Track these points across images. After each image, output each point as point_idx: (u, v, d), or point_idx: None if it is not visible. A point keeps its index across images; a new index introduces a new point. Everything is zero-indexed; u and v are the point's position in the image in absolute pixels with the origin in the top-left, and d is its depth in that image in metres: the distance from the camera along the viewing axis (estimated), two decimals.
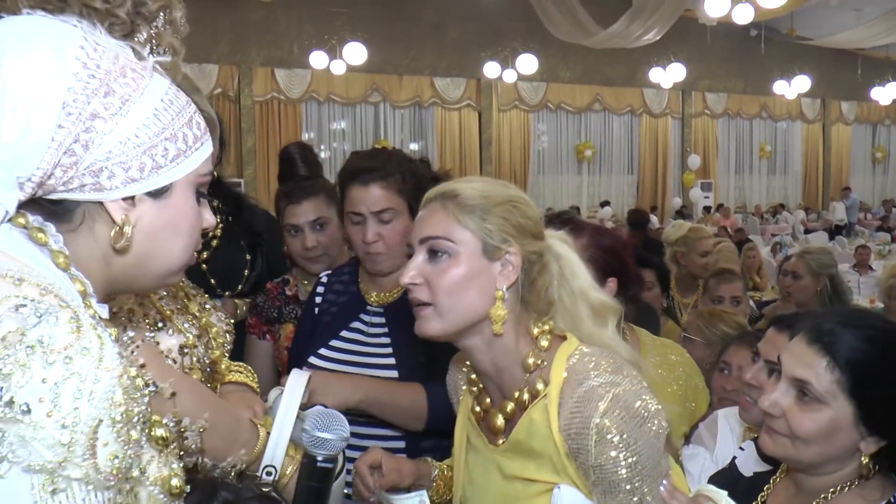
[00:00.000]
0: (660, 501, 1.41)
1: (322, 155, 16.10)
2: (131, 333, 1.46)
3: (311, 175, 2.86)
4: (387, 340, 2.14)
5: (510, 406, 1.50)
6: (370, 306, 2.20)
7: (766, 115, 20.70)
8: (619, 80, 18.26)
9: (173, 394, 1.44)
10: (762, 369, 2.03)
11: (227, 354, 1.76)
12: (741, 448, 1.80)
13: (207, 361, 1.65)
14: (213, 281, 2.74)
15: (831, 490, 1.49)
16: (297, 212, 2.64)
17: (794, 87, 17.64)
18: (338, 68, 14.42)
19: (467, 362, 1.64)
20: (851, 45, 18.01)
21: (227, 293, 2.79)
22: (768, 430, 1.51)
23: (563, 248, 1.56)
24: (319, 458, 1.30)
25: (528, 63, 15.16)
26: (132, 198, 1.12)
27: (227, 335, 1.74)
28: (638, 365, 1.51)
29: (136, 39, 1.51)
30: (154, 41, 1.53)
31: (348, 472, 2.07)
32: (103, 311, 1.12)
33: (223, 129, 2.88)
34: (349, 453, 2.08)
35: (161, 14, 1.54)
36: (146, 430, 1.06)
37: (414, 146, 16.97)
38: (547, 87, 17.74)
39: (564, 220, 2.46)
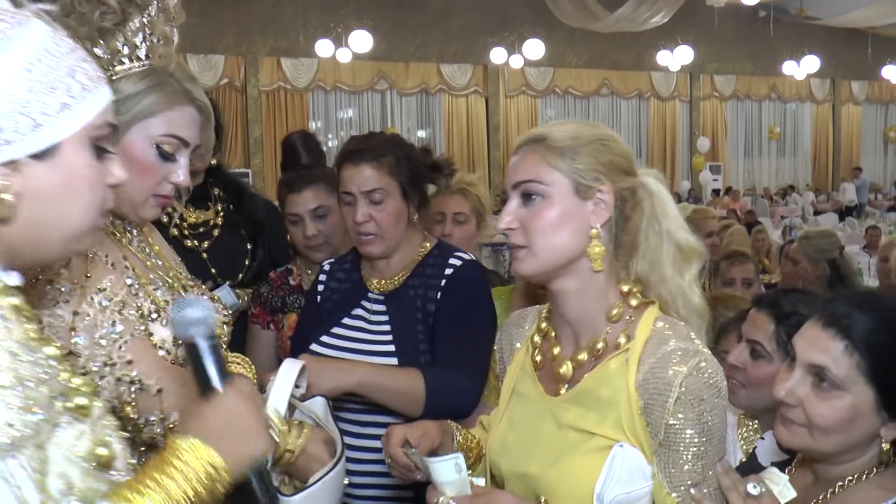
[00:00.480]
0: (714, 478, 1.42)
1: (329, 144, 16.11)
2: (120, 328, 1.47)
3: (313, 163, 2.86)
4: (387, 328, 2.14)
5: (583, 355, 1.51)
6: (371, 293, 2.21)
7: (775, 96, 20.57)
8: (626, 64, 18.16)
9: (159, 390, 1.46)
10: (744, 349, 1.99)
11: (224, 345, 1.75)
12: (762, 438, 1.77)
13: None
14: (213, 270, 2.74)
15: (849, 479, 1.43)
16: (297, 201, 2.64)
17: (803, 67, 17.49)
18: (344, 56, 14.39)
19: (534, 315, 1.67)
20: (862, 23, 17.83)
21: (227, 283, 2.78)
22: (784, 420, 1.45)
23: (657, 185, 1.56)
24: (199, 341, 1.23)
25: (534, 48, 15.08)
26: (13, 162, 1.03)
27: (225, 326, 1.73)
28: (705, 319, 1.54)
29: (128, 27, 1.51)
30: (147, 29, 1.54)
31: (348, 459, 2.08)
32: (10, 278, 1.08)
33: (220, 116, 2.89)
34: (350, 441, 2.10)
35: (154, 2, 1.54)
36: (64, 400, 1.04)
37: (421, 133, 16.95)
38: (554, 73, 17.67)
39: None
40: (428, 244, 2.24)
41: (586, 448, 1.45)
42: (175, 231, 2.74)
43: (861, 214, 17.04)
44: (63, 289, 1.45)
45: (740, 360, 1.98)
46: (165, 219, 2.70)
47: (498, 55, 15.63)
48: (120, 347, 1.46)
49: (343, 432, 2.10)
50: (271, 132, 15.46)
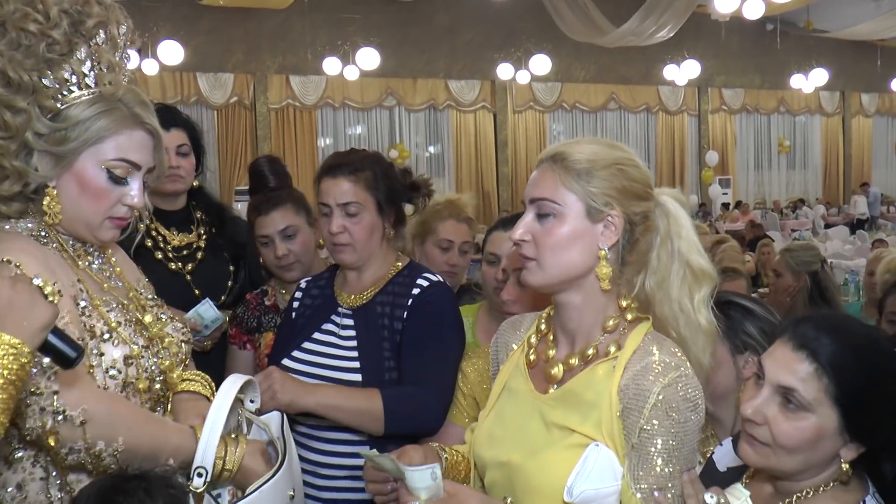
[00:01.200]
0: (679, 486, 1.48)
1: None
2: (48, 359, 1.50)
3: (279, 186, 2.91)
4: (354, 343, 2.17)
5: (574, 359, 1.59)
6: (341, 308, 2.24)
7: (783, 109, 20.52)
8: (634, 78, 18.18)
9: (83, 422, 1.50)
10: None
11: (186, 363, 1.80)
12: (720, 444, 1.80)
13: (157, 371, 1.69)
14: (197, 292, 2.79)
15: (806, 490, 1.48)
16: (266, 223, 2.69)
17: (811, 80, 17.46)
18: (351, 74, 14.48)
19: (531, 318, 1.74)
20: (870, 36, 17.83)
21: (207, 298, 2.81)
22: (748, 438, 1.49)
23: (674, 206, 1.63)
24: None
25: (541, 63, 15.12)
26: None
27: (183, 345, 1.78)
28: (710, 342, 1.59)
29: (75, 57, 1.57)
30: (94, 58, 1.58)
31: (315, 475, 2.10)
32: None
33: (201, 137, 2.93)
34: (316, 458, 2.12)
35: (101, 31, 1.59)
36: None
37: (431, 149, 17.01)
38: (561, 87, 17.71)
39: (515, 220, 2.49)
40: (400, 263, 2.28)
41: (565, 444, 1.53)
42: (160, 255, 2.80)
43: (873, 227, 16.95)
44: None
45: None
46: (150, 242, 2.77)
47: (505, 71, 15.69)
48: (49, 378, 1.48)
49: (308, 448, 2.14)
50: (280, 149, 15.54)
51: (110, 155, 1.61)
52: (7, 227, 1.59)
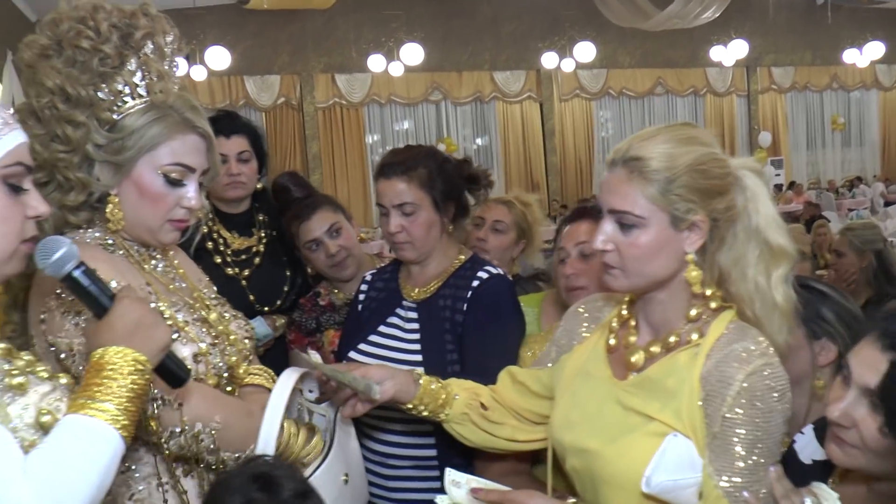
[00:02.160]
0: (765, 482, 1.45)
1: None
2: None
3: (306, 195, 2.95)
4: (417, 336, 2.20)
5: (656, 347, 1.58)
6: (405, 301, 2.27)
7: (836, 85, 20.01)
8: (680, 61, 17.92)
9: (180, 404, 1.58)
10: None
11: (249, 359, 1.86)
12: (801, 432, 1.74)
13: (224, 367, 1.74)
14: (252, 297, 2.83)
15: None
16: (310, 227, 2.74)
17: (866, 54, 17.00)
18: (396, 70, 14.56)
19: (613, 302, 1.72)
20: None
21: (265, 308, 2.87)
22: (836, 440, 1.43)
23: (752, 180, 1.57)
24: (73, 272, 1.36)
25: (586, 51, 15.00)
26: None
27: (247, 341, 1.84)
28: (787, 321, 1.55)
29: (126, 69, 1.64)
30: (144, 68, 1.66)
31: (377, 462, 2.14)
32: None
33: (264, 142, 2.99)
34: (382, 448, 2.17)
35: (149, 42, 1.66)
36: (2, 381, 1.24)
37: (479, 141, 17.01)
38: (607, 74, 17.54)
39: (583, 213, 2.49)
40: (462, 256, 2.29)
41: (644, 431, 1.51)
42: (218, 259, 2.85)
43: None
44: (81, 320, 1.56)
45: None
46: (210, 245, 2.83)
47: (550, 59, 15.60)
48: None
49: (374, 439, 2.20)
50: (329, 148, 15.72)
51: (165, 160, 1.67)
52: (76, 237, 1.65)
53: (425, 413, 1.83)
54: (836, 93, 20.25)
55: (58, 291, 1.57)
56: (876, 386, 1.29)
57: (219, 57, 12.42)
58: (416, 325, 2.22)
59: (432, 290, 2.24)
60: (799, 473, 1.59)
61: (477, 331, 2.14)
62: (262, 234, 2.99)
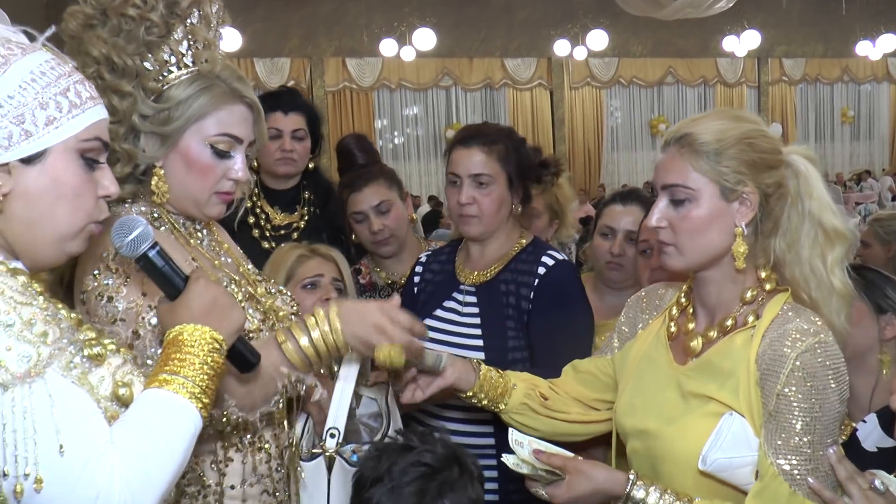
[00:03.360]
0: (825, 463, 1.46)
1: (395, 141, 16.28)
2: None
3: (368, 163, 2.95)
4: (477, 321, 2.18)
5: (713, 332, 1.61)
6: (463, 285, 2.25)
7: (847, 78, 19.92)
8: (691, 51, 17.85)
9: None
10: None
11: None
12: (864, 421, 1.77)
13: None
14: None
15: None
16: (359, 199, 2.72)
17: (879, 47, 16.91)
18: (408, 55, 14.52)
19: (673, 290, 1.75)
20: None
21: None
22: None
23: (804, 165, 1.61)
24: (149, 252, 1.36)
25: (598, 39, 14.96)
26: (5, 165, 1.21)
27: (293, 317, 1.81)
28: (845, 304, 1.57)
29: (172, 38, 1.63)
30: (190, 37, 1.64)
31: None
32: (17, 263, 1.27)
33: (319, 121, 2.99)
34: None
35: (195, 10, 1.64)
36: (79, 348, 1.24)
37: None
38: (619, 63, 17.48)
39: (632, 196, 2.51)
40: (524, 240, 2.26)
41: (702, 412, 1.54)
42: (257, 232, 2.86)
43: None
44: (119, 306, 1.55)
45: None
46: (252, 219, 2.83)
47: (562, 47, 15.55)
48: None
49: (426, 425, 2.19)
50: (338, 131, 15.67)
51: (213, 131, 1.64)
52: (122, 211, 1.63)
53: (484, 402, 1.84)
54: (847, 85, 20.17)
55: (95, 272, 1.56)
56: None
57: (229, 38, 12.30)
58: (475, 310, 2.20)
59: (492, 273, 2.22)
60: (863, 461, 1.61)
61: (546, 322, 2.12)
62: (305, 212, 3.00)
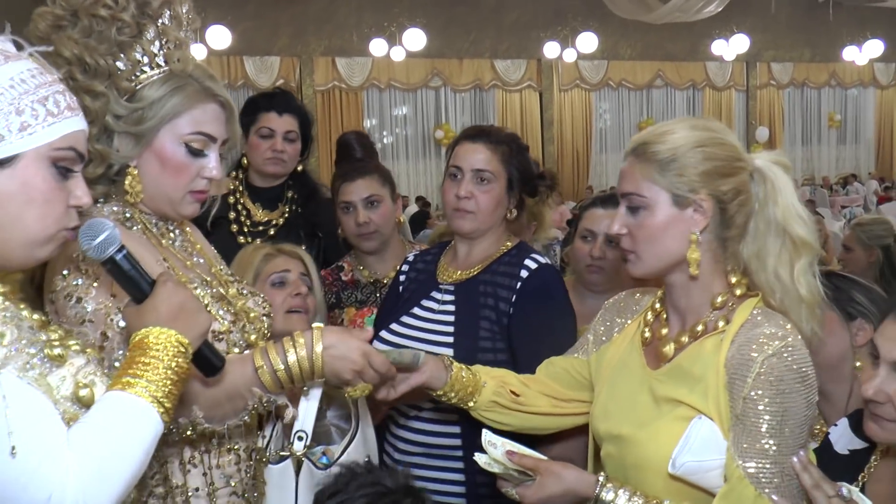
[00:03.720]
0: (789, 469, 1.48)
1: (385, 141, 16.27)
2: None
3: (365, 157, 2.98)
4: (451, 318, 2.19)
5: (685, 337, 1.64)
6: (443, 284, 2.26)
7: (834, 83, 20.06)
8: (680, 54, 17.93)
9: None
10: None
11: (267, 335, 1.84)
12: (835, 425, 1.79)
13: (244, 345, 1.73)
14: None
15: None
16: (350, 189, 2.72)
17: (865, 52, 17.04)
18: (398, 55, 14.52)
19: (649, 296, 1.79)
20: None
21: None
22: (874, 416, 1.48)
23: (772, 171, 1.62)
24: (116, 256, 1.37)
25: (588, 42, 15.00)
26: None
27: (265, 318, 1.83)
28: (814, 309, 1.59)
29: (144, 38, 1.63)
30: (162, 37, 1.65)
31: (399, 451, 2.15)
32: None
33: (311, 125, 3.02)
34: (399, 432, 2.17)
35: (166, 10, 1.66)
36: (40, 348, 1.25)
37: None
38: (608, 66, 17.54)
39: (613, 200, 2.53)
40: (509, 243, 2.28)
41: (672, 416, 1.57)
42: (235, 227, 2.87)
43: None
44: (88, 307, 1.55)
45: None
46: (233, 215, 2.85)
47: (551, 49, 15.59)
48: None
49: (397, 425, 2.21)
50: (326, 131, 15.63)
51: (187, 129, 1.64)
52: (94, 211, 1.62)
53: (454, 400, 1.86)
54: (834, 90, 20.30)
55: (64, 273, 1.56)
56: None
57: (219, 36, 12.33)
58: (451, 308, 2.21)
59: (473, 273, 2.23)
60: (835, 463, 1.64)
61: (529, 327, 2.13)
62: (286, 209, 3.02)
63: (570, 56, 15.89)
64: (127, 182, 1.65)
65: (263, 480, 1.75)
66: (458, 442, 2.15)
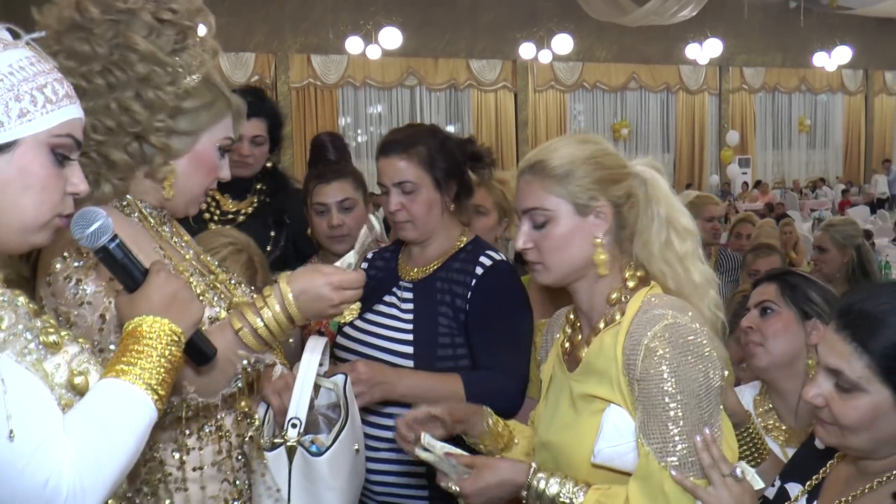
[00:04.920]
0: (692, 448, 1.53)
1: (359, 139, 16.27)
2: None
3: (339, 160, 2.99)
4: (410, 316, 2.20)
5: (593, 337, 1.70)
6: (402, 282, 2.27)
7: (805, 88, 20.36)
8: (655, 57, 18.10)
9: None
10: (754, 312, 2.09)
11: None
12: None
13: None
14: None
15: (891, 473, 1.45)
16: (325, 191, 2.72)
17: (834, 58, 17.30)
18: (373, 53, 14.52)
19: (567, 308, 1.86)
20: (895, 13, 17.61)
21: None
22: (818, 420, 1.50)
23: (649, 173, 1.74)
24: (109, 245, 1.37)
25: (563, 43, 15.08)
26: None
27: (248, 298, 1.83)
28: (709, 290, 1.69)
29: (188, 44, 1.69)
30: (200, 45, 1.72)
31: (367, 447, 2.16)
32: None
33: (281, 125, 3.02)
34: (367, 430, 2.15)
35: (201, 22, 1.71)
36: (35, 335, 1.25)
37: (451, 129, 17.00)
38: (583, 67, 17.66)
39: None
40: (464, 238, 2.28)
41: (588, 411, 1.65)
42: (207, 216, 2.89)
43: (894, 207, 16.86)
44: (88, 289, 1.56)
45: (752, 322, 2.06)
46: (203, 205, 2.86)
47: (527, 50, 15.65)
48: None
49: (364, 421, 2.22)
50: (301, 128, 15.62)
51: (222, 134, 1.74)
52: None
53: (482, 449, 1.89)
54: (804, 95, 20.60)
55: (64, 255, 1.57)
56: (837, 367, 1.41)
57: None
58: (410, 306, 2.22)
59: (430, 270, 2.24)
60: (814, 459, 1.64)
61: (485, 323, 2.14)
62: (255, 200, 3.04)
63: (545, 57, 15.96)
64: (165, 179, 1.69)
65: (252, 469, 1.76)
66: None
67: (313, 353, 1.82)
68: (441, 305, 2.19)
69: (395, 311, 2.25)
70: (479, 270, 2.19)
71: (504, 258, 2.27)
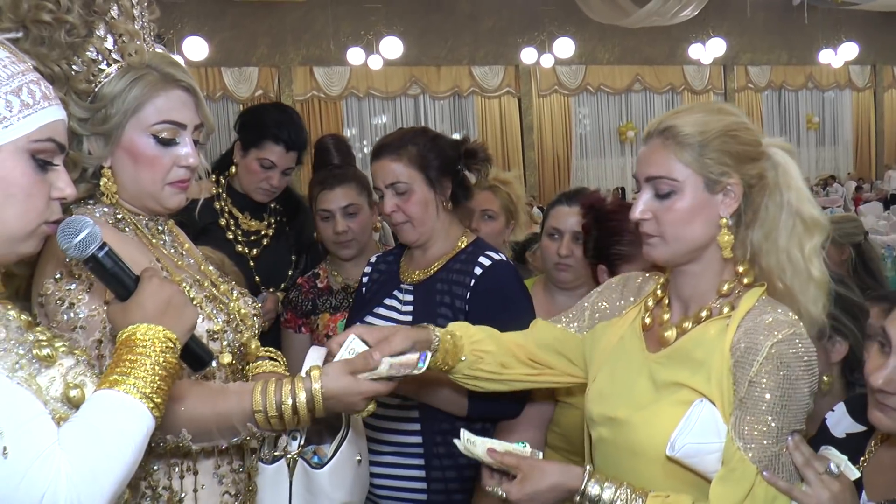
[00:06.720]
0: (785, 453, 1.49)
1: (365, 150, 16.24)
2: None
3: (343, 164, 2.96)
4: (410, 318, 2.20)
5: (688, 323, 1.62)
6: (403, 284, 2.27)
7: (812, 85, 20.24)
8: (658, 58, 18.04)
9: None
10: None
11: (256, 335, 1.82)
12: (832, 409, 1.79)
13: (237, 344, 1.72)
14: (258, 278, 2.88)
15: None
16: (329, 197, 2.73)
17: (840, 55, 17.20)
18: (375, 63, 14.54)
19: (651, 281, 1.77)
20: None
21: (270, 290, 2.91)
22: (881, 406, 1.47)
23: (782, 157, 1.63)
24: (98, 253, 1.33)
25: (565, 47, 15.07)
26: None
27: (256, 319, 1.81)
28: (823, 294, 1.59)
29: (95, 36, 1.59)
30: (112, 31, 1.61)
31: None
32: None
33: (306, 153, 3.01)
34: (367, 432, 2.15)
35: (113, 5, 1.61)
36: (28, 348, 1.22)
37: (456, 136, 16.87)
38: (586, 70, 17.61)
39: (578, 197, 2.52)
40: (465, 239, 2.27)
41: (672, 400, 1.56)
42: (231, 235, 2.90)
43: None
44: (80, 313, 1.52)
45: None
46: (223, 221, 2.85)
47: (529, 55, 15.64)
48: None
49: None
50: (308, 141, 15.61)
51: (152, 119, 1.61)
52: (85, 212, 1.59)
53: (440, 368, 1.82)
54: (811, 92, 20.47)
55: (56, 276, 1.53)
56: None
57: (196, 47, 12.34)
58: (410, 308, 2.22)
59: (431, 272, 2.23)
60: (833, 445, 1.63)
61: (485, 323, 2.06)
62: (272, 220, 3.04)
63: (547, 61, 15.94)
64: (102, 183, 1.63)
65: (254, 484, 1.74)
66: (418, 440, 2.17)
67: (312, 363, 1.77)
68: (441, 307, 2.18)
69: (394, 314, 2.25)
70: (477, 271, 2.18)
71: (504, 258, 2.26)
